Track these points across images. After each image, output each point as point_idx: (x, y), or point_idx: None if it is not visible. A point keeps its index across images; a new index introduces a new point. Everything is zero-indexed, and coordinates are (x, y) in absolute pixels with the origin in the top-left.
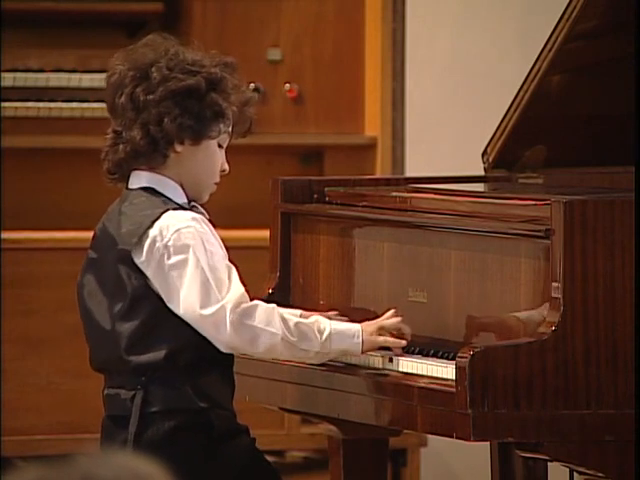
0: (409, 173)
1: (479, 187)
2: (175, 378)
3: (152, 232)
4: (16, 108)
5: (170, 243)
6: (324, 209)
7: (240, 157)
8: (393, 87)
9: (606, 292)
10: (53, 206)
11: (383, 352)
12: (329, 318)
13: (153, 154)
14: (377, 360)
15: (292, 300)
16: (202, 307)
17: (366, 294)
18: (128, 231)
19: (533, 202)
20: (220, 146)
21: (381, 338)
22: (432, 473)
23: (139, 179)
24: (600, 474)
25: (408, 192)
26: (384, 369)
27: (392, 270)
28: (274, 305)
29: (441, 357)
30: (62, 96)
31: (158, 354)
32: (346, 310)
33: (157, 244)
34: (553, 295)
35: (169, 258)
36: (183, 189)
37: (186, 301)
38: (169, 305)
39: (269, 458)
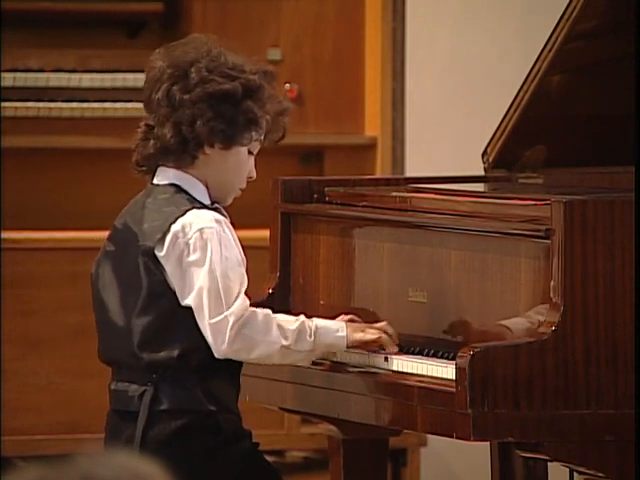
0: (409, 173)
1: (479, 187)
2: (186, 378)
3: (174, 227)
4: (16, 108)
5: (192, 241)
6: (324, 209)
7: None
8: (393, 87)
9: (606, 292)
10: (53, 206)
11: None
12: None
13: (182, 154)
14: (377, 360)
15: (292, 300)
16: (207, 313)
17: (366, 294)
18: (151, 227)
19: (533, 202)
20: (250, 153)
21: (362, 333)
22: (432, 473)
23: (165, 175)
24: (600, 474)
25: (408, 192)
26: (384, 369)
27: (392, 270)
28: (269, 311)
29: (441, 357)
30: (62, 96)
31: (171, 352)
32: (346, 310)
33: (179, 240)
34: (553, 295)
35: (189, 255)
36: (208, 190)
37: (195, 302)
38: (182, 301)
39: (269, 458)
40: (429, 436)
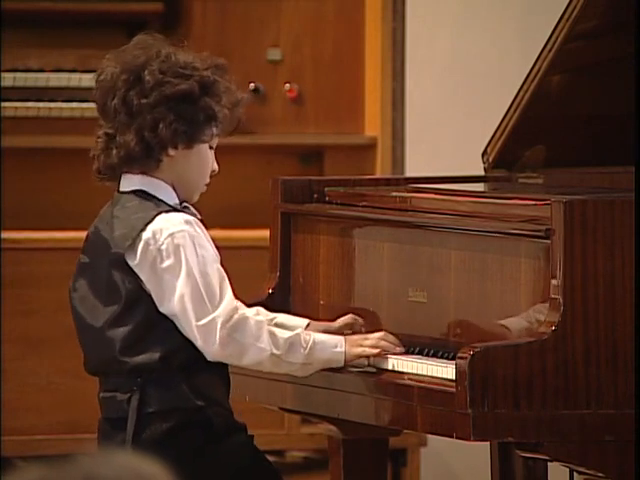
0: (409, 173)
1: (479, 187)
2: (171, 378)
3: (145, 235)
4: (16, 108)
5: (163, 247)
6: (324, 209)
7: (240, 157)
8: (393, 87)
9: (606, 292)
10: (53, 206)
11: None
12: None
13: (147, 159)
14: (377, 360)
15: (292, 300)
16: (191, 316)
17: (366, 294)
18: (121, 234)
19: (533, 202)
20: (211, 148)
21: (360, 349)
22: (432, 473)
23: (130, 182)
24: (600, 474)
25: (408, 192)
26: (384, 369)
27: (392, 270)
28: (262, 318)
29: (441, 357)
30: (62, 96)
31: (153, 355)
32: (346, 310)
33: (150, 247)
34: (553, 295)
35: (162, 262)
36: (175, 190)
37: (177, 307)
38: (160, 308)
39: (269, 458)
40: (429, 436)
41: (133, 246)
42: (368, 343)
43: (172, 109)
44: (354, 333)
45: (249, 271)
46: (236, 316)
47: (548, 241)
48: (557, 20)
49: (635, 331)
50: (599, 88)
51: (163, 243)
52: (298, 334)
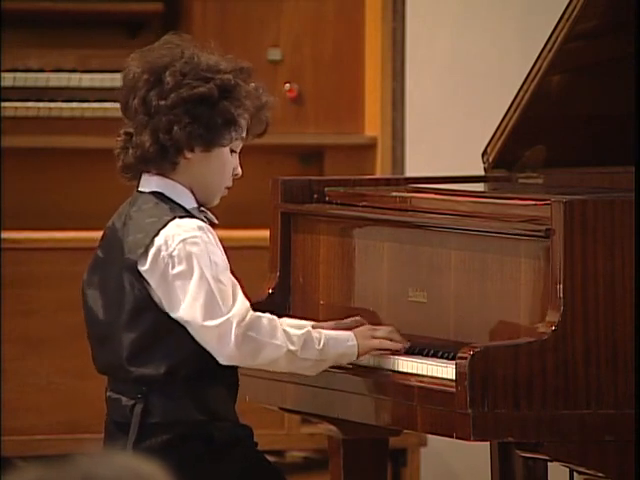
0: (409, 173)
1: (479, 187)
2: (175, 390)
3: (158, 241)
4: (16, 108)
5: (175, 253)
6: (324, 209)
7: (240, 157)
8: (393, 87)
9: (606, 292)
10: (53, 206)
11: (383, 352)
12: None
13: (162, 161)
14: (377, 360)
15: (292, 300)
16: (206, 319)
17: (366, 294)
18: (135, 239)
19: (533, 202)
20: (233, 151)
21: (375, 341)
22: (432, 473)
23: (149, 183)
24: (600, 474)
25: (408, 192)
26: (384, 369)
27: (392, 270)
28: (274, 317)
29: (441, 357)
30: (62, 96)
31: (158, 368)
32: (346, 310)
33: (162, 253)
34: (553, 295)
35: (173, 268)
36: (193, 193)
37: (190, 311)
38: (172, 314)
39: (269, 458)
40: (429, 436)
41: (145, 252)
42: (380, 334)
43: (188, 112)
44: None
45: (249, 271)
46: (250, 315)
47: (548, 241)
48: (557, 20)
49: (635, 331)
50: (599, 88)
51: (175, 249)
52: (309, 331)
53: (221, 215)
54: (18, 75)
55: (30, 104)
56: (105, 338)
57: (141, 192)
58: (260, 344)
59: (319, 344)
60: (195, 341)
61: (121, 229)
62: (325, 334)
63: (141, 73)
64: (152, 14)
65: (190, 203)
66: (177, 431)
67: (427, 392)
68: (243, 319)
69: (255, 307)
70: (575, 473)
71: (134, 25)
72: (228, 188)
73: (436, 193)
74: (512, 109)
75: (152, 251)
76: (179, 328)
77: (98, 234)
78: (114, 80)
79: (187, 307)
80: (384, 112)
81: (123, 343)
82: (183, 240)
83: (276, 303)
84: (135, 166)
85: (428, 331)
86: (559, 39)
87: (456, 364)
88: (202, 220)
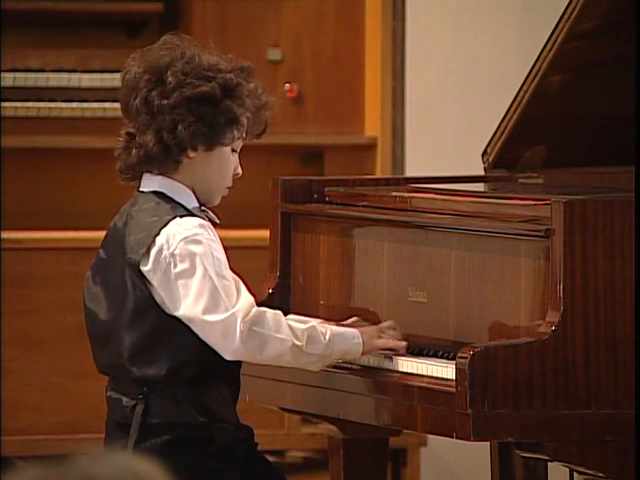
0: (409, 173)
1: (479, 187)
2: (177, 392)
3: (159, 240)
4: (16, 108)
5: (177, 252)
6: (324, 209)
7: (240, 157)
8: (393, 87)
9: (606, 292)
10: (53, 206)
11: (385, 352)
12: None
13: (165, 160)
14: (377, 360)
15: (292, 300)
16: (210, 314)
17: (366, 294)
18: (136, 239)
19: (533, 202)
20: (234, 151)
21: (381, 340)
22: (432, 473)
23: (150, 182)
24: (600, 474)
25: (408, 192)
26: (384, 369)
27: (392, 270)
28: (279, 311)
29: (441, 357)
30: (62, 96)
31: (160, 370)
32: (346, 310)
33: (164, 252)
34: (553, 295)
35: (175, 266)
36: (194, 193)
37: (193, 309)
38: (175, 313)
39: (269, 458)
40: (429, 436)
41: (147, 252)
42: (385, 335)
43: (192, 111)
44: None
45: (249, 271)
46: (254, 310)
47: (548, 241)
48: (557, 20)
49: (635, 331)
50: (599, 88)
51: (177, 248)
52: (314, 326)
53: (221, 215)
54: (18, 75)
55: (30, 104)
56: (107, 338)
57: (142, 192)
58: (265, 339)
59: (324, 339)
60: (197, 342)
61: (122, 229)
62: (331, 329)
63: (142, 73)
64: (152, 14)
65: (191, 202)
66: (178, 432)
67: (427, 392)
68: (247, 314)
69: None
70: (575, 473)
71: (134, 25)
72: (229, 188)
73: (436, 193)
74: (512, 109)
75: (154, 250)
76: (181, 329)
77: (98, 234)
78: (114, 80)
79: (190, 305)
80: (384, 112)
81: (125, 343)
82: (184, 238)
83: (276, 303)
84: (138, 166)
85: (428, 331)
86: (559, 39)
87: (456, 364)
88: (203, 219)
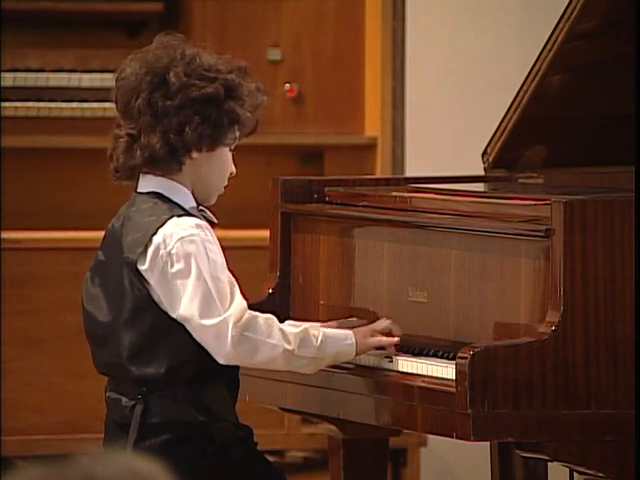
0: (409, 173)
1: (479, 187)
2: (176, 391)
3: (156, 239)
4: (16, 108)
5: (173, 251)
6: (324, 209)
7: (240, 157)
8: (393, 87)
9: (606, 292)
10: (53, 206)
11: (379, 352)
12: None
13: (171, 162)
14: (377, 360)
15: (292, 300)
16: (203, 317)
17: (366, 294)
18: (134, 239)
19: (533, 202)
20: (230, 150)
21: (374, 339)
22: (432, 473)
23: (148, 183)
24: (600, 474)
25: (408, 192)
26: (384, 369)
27: (392, 270)
28: (271, 315)
29: (441, 357)
30: (62, 96)
31: (159, 369)
32: (346, 310)
33: (160, 252)
34: (553, 295)
35: (172, 266)
36: (194, 192)
37: (188, 310)
38: (171, 313)
39: (269, 458)
40: (429, 436)
41: (145, 251)
42: (378, 332)
43: (198, 112)
44: None
45: (249, 271)
46: (246, 315)
47: (548, 241)
48: (557, 20)
49: (635, 331)
50: (599, 88)
51: (173, 247)
52: (306, 329)
53: (221, 215)
54: (18, 75)
55: (30, 104)
56: (106, 338)
57: (140, 193)
58: (256, 344)
59: (316, 341)
60: (196, 341)
61: (120, 229)
62: (323, 332)
63: (144, 74)
64: (152, 14)
65: (189, 202)
66: (177, 431)
67: (427, 392)
68: (239, 319)
69: (255, 307)
70: (575, 473)
71: (134, 25)
72: (225, 187)
73: (436, 193)
74: (512, 109)
75: (151, 250)
76: (179, 328)
77: (98, 234)
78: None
79: (185, 306)
80: (384, 112)
81: (124, 343)
82: (181, 238)
83: (276, 303)
84: (141, 167)
85: (428, 331)
86: (559, 39)
87: (456, 364)
88: (200, 219)
